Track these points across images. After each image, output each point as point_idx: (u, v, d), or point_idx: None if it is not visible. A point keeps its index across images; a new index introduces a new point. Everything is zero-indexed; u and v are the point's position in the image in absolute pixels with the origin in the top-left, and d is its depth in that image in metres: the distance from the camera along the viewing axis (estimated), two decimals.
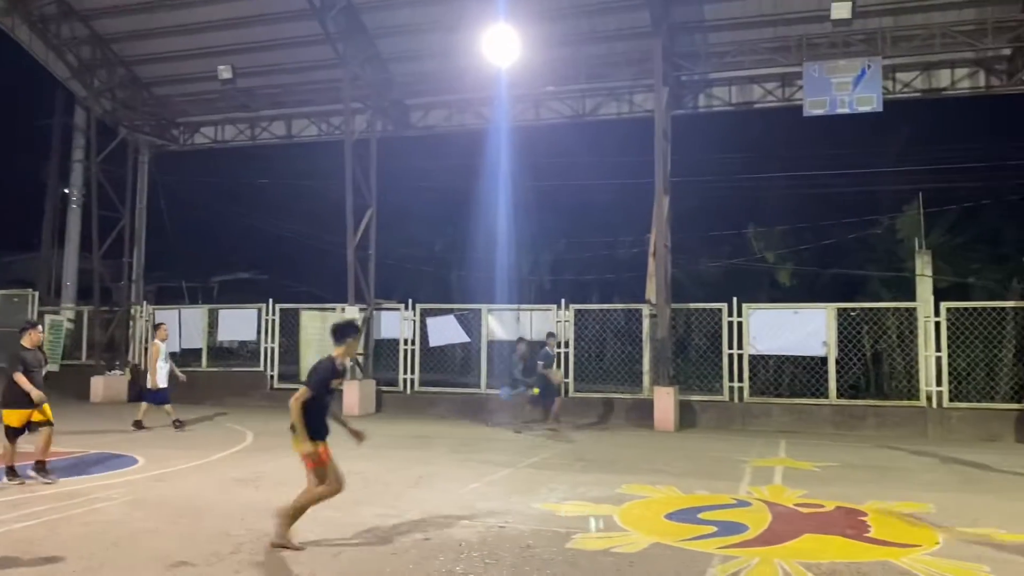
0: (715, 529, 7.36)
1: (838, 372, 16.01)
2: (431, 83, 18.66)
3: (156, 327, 16.15)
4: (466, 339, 18.47)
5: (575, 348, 17.50)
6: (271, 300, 20.02)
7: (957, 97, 17.07)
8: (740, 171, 26.94)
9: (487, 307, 18.61)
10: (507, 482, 9.77)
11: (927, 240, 22.30)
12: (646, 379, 16.99)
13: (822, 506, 8.48)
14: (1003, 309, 16.12)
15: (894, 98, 16.87)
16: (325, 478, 6.48)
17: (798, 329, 16.21)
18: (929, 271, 16.58)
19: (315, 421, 6.42)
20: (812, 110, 15.66)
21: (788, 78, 17.26)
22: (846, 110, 15.36)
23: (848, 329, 16.36)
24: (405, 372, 18.47)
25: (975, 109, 20.51)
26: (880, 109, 15.38)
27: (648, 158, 16.74)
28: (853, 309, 16.67)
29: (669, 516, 7.94)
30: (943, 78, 16.84)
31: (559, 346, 16.84)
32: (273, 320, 19.73)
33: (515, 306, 18.99)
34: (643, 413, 16.08)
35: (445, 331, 18.45)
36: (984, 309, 15.92)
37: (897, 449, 13.11)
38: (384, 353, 18.98)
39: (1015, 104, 15.98)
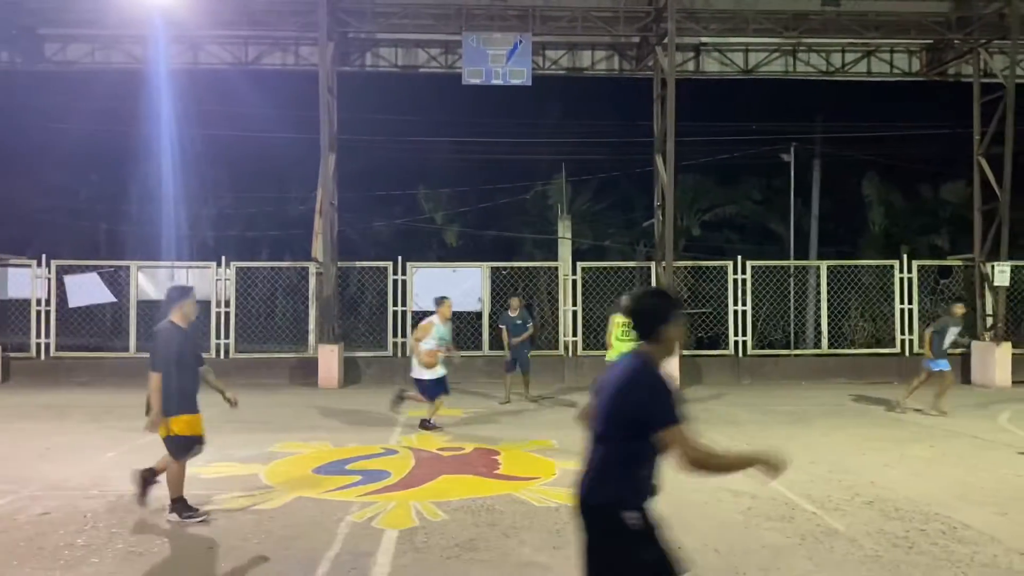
0: (359, 478, 7.65)
1: (495, 325, 17.22)
2: (71, 12, 16.63)
3: None
4: (111, 299, 16.98)
5: (238, 307, 16.90)
6: None
7: (598, 77, 18.96)
8: (412, 133, 27.63)
9: (137, 264, 17.26)
10: (149, 449, 9.23)
11: (573, 206, 24.71)
12: (312, 337, 16.95)
13: (462, 448, 9.17)
14: (631, 268, 18.40)
15: (544, 74, 18.29)
16: None
17: (457, 286, 17.12)
18: (569, 233, 18.36)
19: None
20: (470, 79, 16.46)
21: (451, 46, 17.93)
22: (500, 81, 16.36)
23: (505, 286, 17.63)
24: (38, 336, 16.57)
25: (614, 89, 22.91)
26: (529, 83, 16.58)
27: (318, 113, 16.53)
28: (505, 268, 17.99)
29: (317, 470, 8.09)
30: (585, 59, 18.55)
31: (221, 304, 16.17)
32: None
33: (169, 263, 17.83)
34: (308, 371, 16.06)
35: (86, 290, 16.78)
36: (614, 268, 18.08)
37: (536, 392, 14.48)
38: (14, 315, 16.85)
39: (643, 86, 18.08)
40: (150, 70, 18.31)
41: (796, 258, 24.53)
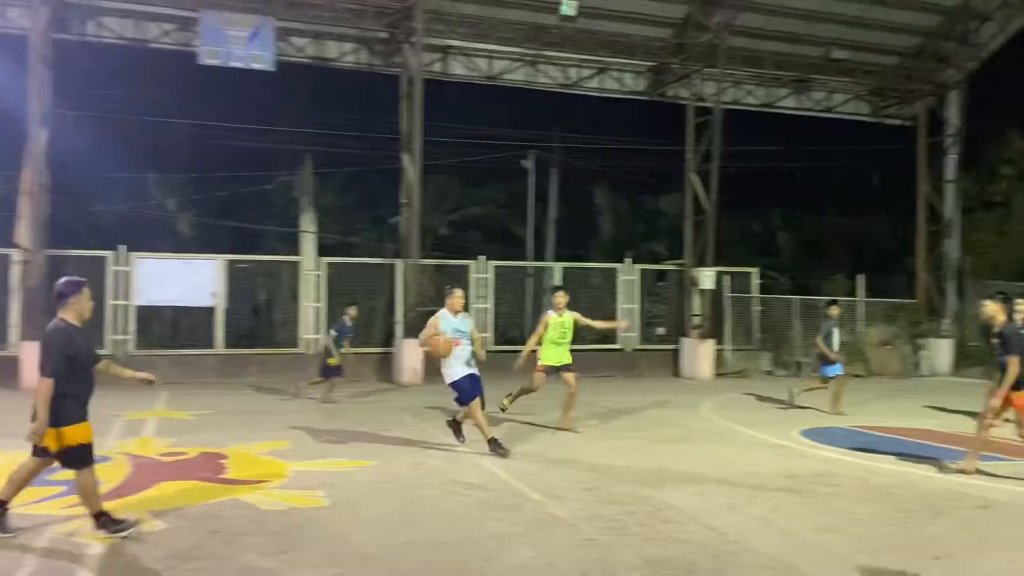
0: (63, 489, 6.88)
1: (233, 322, 16.39)
2: None
3: None
4: None
5: None
6: None
7: (346, 70, 18.63)
8: (145, 114, 25.47)
9: None
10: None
11: (320, 200, 24.10)
12: (14, 333, 15.10)
13: (185, 453, 8.60)
14: (378, 265, 18.30)
15: (289, 61, 17.67)
16: None
17: (188, 280, 16.10)
18: (313, 228, 17.91)
19: None
20: (207, 59, 15.55)
21: (188, 23, 16.78)
22: (240, 64, 15.61)
23: (243, 280, 16.82)
24: None
25: (365, 83, 22.59)
26: (273, 69, 15.98)
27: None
28: (243, 261, 17.18)
29: None
30: (332, 49, 18.18)
31: None
32: None
33: None
34: (9, 372, 14.28)
35: None
36: (360, 265, 17.91)
37: (274, 393, 13.99)
38: None
39: (392, 83, 18.04)
40: None
41: (535, 260, 25.76)
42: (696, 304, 19.18)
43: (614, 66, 19.75)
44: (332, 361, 13.09)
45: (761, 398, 14.60)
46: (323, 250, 18.64)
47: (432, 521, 6.20)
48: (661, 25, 18.93)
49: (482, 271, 18.01)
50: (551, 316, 10.59)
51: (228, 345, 16.35)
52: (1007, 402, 7.92)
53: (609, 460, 8.67)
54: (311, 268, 17.05)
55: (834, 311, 13.01)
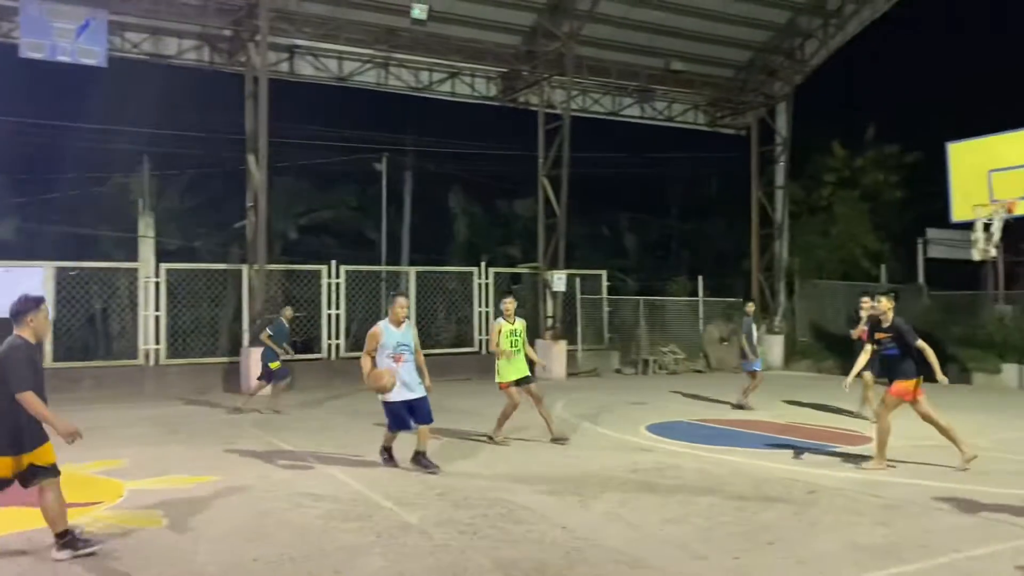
0: None
1: (63, 333, 15.30)
2: None
3: None
4: None
5: None
6: None
7: (187, 67, 17.80)
8: None
9: None
10: None
11: (160, 203, 22.91)
12: None
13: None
14: (223, 271, 17.59)
15: (124, 56, 16.73)
16: None
17: (10, 289, 14.79)
18: (152, 232, 16.99)
19: None
20: (30, 52, 14.42)
21: (6, 12, 15.54)
22: (68, 59, 14.58)
23: (76, 289, 15.73)
24: None
25: (207, 81, 21.64)
26: (105, 64, 15.03)
27: None
28: (75, 268, 16.07)
29: None
30: (171, 46, 17.33)
31: None
32: None
33: None
34: None
35: None
36: (204, 271, 17.16)
37: (110, 408, 13.16)
38: None
39: (237, 82, 17.37)
40: None
41: (389, 264, 25.50)
42: (549, 306, 19.58)
43: (466, 71, 19.88)
44: (274, 365, 12.77)
45: (612, 394, 15.07)
46: (164, 256, 17.72)
47: (279, 536, 6.00)
48: (511, 32, 19.21)
49: (334, 276, 17.66)
50: (503, 325, 9.77)
51: (57, 358, 15.24)
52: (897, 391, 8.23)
53: (463, 464, 8.69)
54: (150, 275, 16.16)
55: (751, 308, 13.51)
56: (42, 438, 5.46)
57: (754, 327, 13.24)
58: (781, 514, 6.65)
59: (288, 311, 13.24)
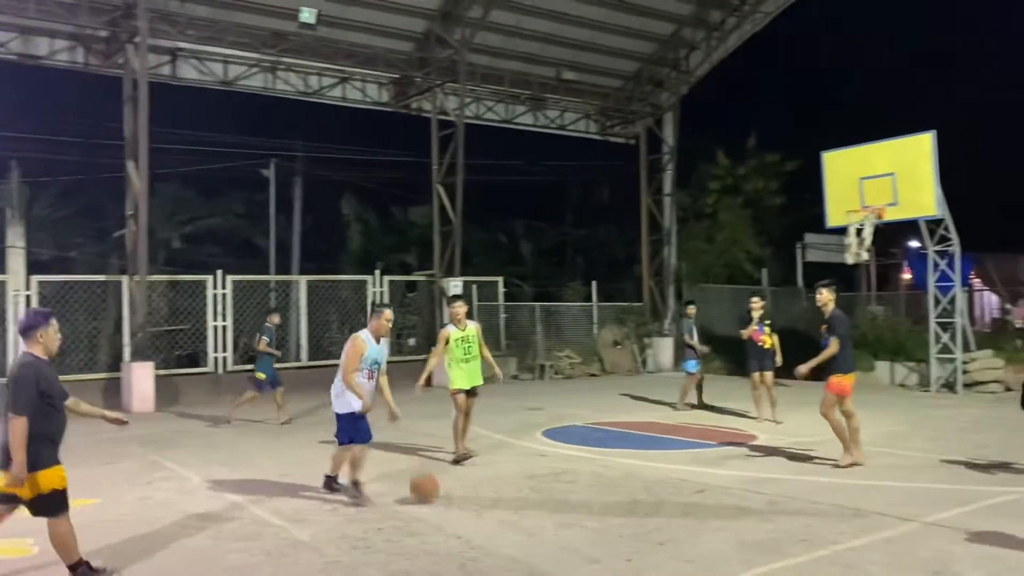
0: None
1: None
2: None
3: None
4: None
5: None
6: None
7: (60, 68, 16.89)
8: None
9: None
10: None
11: (30, 211, 21.62)
12: None
13: None
14: (101, 282, 16.73)
15: None
16: None
17: None
18: (22, 243, 16.02)
19: None
20: None
21: None
22: None
23: None
24: None
25: (82, 83, 20.62)
26: None
27: None
28: None
29: None
30: (42, 46, 16.39)
31: None
32: None
33: None
34: None
35: None
36: (80, 283, 16.28)
37: None
38: None
39: (115, 85, 16.60)
40: None
41: (279, 273, 24.87)
42: (445, 314, 19.47)
43: (356, 76, 19.61)
44: (260, 375, 12.80)
45: (510, 400, 15.11)
46: (35, 267, 16.72)
47: (165, 559, 5.74)
48: (403, 39, 19.09)
49: (220, 286, 17.07)
50: (451, 331, 9.26)
51: None
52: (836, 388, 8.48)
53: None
54: (20, 288, 15.20)
55: (691, 311, 13.79)
56: (51, 461, 5.11)
57: (695, 329, 13.57)
58: (672, 514, 6.81)
59: (275, 318, 13.28)
